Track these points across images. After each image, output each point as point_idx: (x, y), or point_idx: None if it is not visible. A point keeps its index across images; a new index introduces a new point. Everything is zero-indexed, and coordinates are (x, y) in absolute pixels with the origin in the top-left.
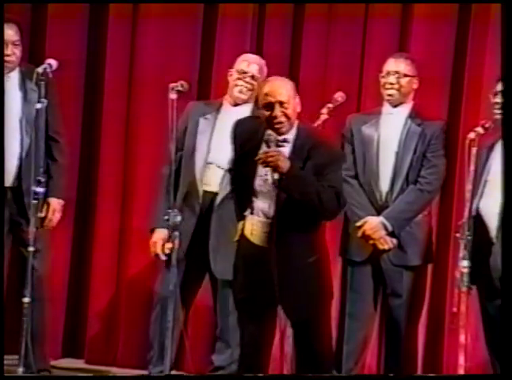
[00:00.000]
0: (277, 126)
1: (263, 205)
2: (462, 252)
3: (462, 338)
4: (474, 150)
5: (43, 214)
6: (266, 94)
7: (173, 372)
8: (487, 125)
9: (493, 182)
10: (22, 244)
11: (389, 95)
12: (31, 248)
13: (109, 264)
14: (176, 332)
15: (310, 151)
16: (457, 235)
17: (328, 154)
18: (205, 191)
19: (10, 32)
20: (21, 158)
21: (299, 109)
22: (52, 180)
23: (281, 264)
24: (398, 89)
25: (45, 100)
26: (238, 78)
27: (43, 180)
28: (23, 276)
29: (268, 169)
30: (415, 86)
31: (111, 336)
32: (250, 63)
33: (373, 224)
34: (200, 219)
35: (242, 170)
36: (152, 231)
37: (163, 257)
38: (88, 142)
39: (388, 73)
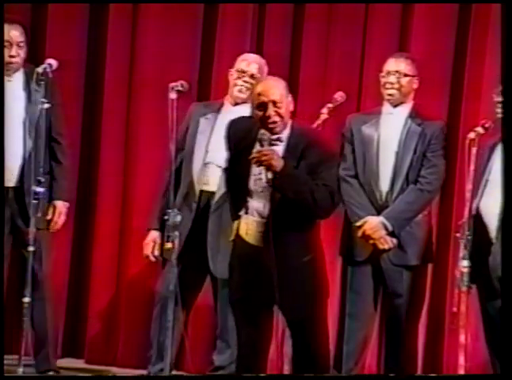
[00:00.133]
0: (270, 125)
1: (258, 205)
2: (462, 252)
3: (462, 338)
4: (474, 150)
5: (48, 217)
6: (259, 94)
7: (174, 372)
8: (487, 125)
9: (494, 182)
10: (23, 244)
11: (389, 95)
12: (31, 248)
13: (109, 264)
14: (176, 331)
15: (304, 150)
16: (457, 235)
17: (322, 153)
18: (204, 191)
19: (15, 33)
20: (23, 159)
21: (292, 108)
22: (56, 183)
23: (277, 263)
24: (398, 89)
25: (46, 100)
26: (238, 78)
27: (43, 180)
28: (24, 276)
29: (262, 168)
30: (415, 86)
31: (111, 335)
32: (249, 63)
33: (373, 224)
34: (198, 219)
35: (236, 170)
36: (148, 231)
37: (152, 259)
38: (88, 142)
39: (389, 72)
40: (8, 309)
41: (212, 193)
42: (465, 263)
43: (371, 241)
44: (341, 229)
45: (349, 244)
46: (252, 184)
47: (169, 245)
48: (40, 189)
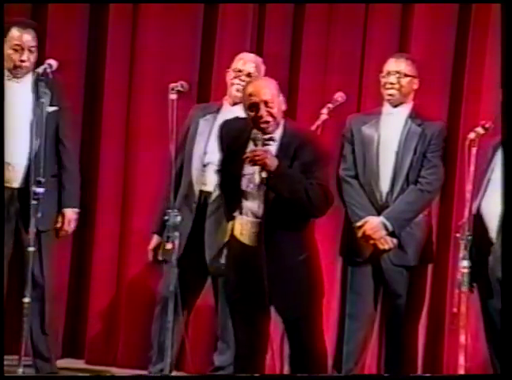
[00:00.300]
0: (263, 126)
1: (252, 205)
2: (462, 253)
3: (462, 338)
4: (474, 151)
5: (58, 225)
6: (250, 94)
7: (174, 372)
8: (487, 125)
9: (496, 182)
10: (26, 245)
11: (389, 95)
12: (31, 249)
13: (109, 265)
14: (177, 332)
15: (297, 149)
16: (457, 235)
17: (315, 152)
18: (203, 191)
19: (28, 38)
20: (29, 160)
21: (284, 108)
22: (65, 190)
23: (272, 263)
24: (398, 89)
25: (43, 101)
26: (235, 77)
27: (43, 180)
28: (30, 278)
29: (255, 167)
30: (416, 87)
31: (111, 336)
32: (245, 62)
33: (374, 224)
34: (198, 219)
35: (229, 170)
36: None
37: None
38: (88, 142)
39: (389, 73)
40: (10, 309)
41: (210, 193)
42: (465, 263)
43: (371, 242)
44: (341, 230)
45: (350, 244)
46: (245, 184)
47: (169, 246)
48: (39, 190)
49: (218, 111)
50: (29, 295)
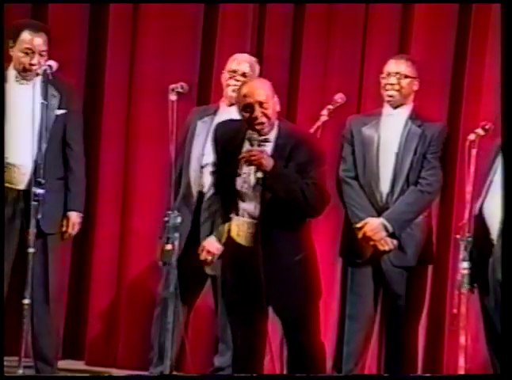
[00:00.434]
0: (258, 127)
1: (248, 206)
2: (462, 254)
3: (462, 339)
4: (474, 152)
5: (63, 229)
6: (245, 95)
7: (174, 373)
8: (487, 126)
9: (498, 183)
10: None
11: (389, 96)
12: (31, 250)
13: (109, 266)
14: (177, 333)
15: (292, 150)
16: (457, 236)
17: (310, 152)
18: (201, 192)
19: (39, 42)
20: (35, 162)
21: (278, 109)
22: (71, 193)
23: (269, 263)
24: (398, 90)
25: (44, 102)
26: (230, 78)
27: (43, 181)
28: (31, 279)
29: (251, 168)
30: (416, 88)
31: (111, 337)
32: (240, 62)
33: (374, 225)
34: (196, 220)
35: (225, 172)
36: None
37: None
38: (88, 143)
39: (389, 74)
40: (14, 309)
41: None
42: (465, 264)
43: (371, 243)
44: (341, 231)
45: (350, 245)
46: (241, 185)
47: (169, 247)
48: (40, 191)
49: (215, 113)
50: (29, 296)
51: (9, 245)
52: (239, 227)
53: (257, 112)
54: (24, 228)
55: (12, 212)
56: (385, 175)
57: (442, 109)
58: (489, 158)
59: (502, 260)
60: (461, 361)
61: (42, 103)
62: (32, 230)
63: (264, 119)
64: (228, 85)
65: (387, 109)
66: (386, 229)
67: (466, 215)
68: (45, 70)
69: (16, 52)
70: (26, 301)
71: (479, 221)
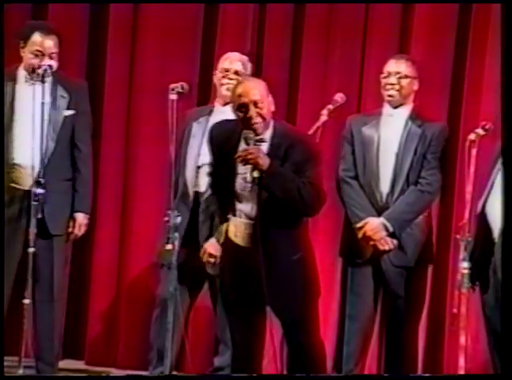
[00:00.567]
0: (253, 126)
1: (245, 207)
2: (462, 254)
3: (462, 339)
4: (474, 152)
5: (69, 230)
6: (239, 95)
7: (174, 373)
8: (487, 126)
9: (500, 182)
10: (37, 246)
11: (390, 96)
12: (31, 250)
13: (110, 266)
14: (176, 333)
15: (287, 149)
16: (457, 236)
17: (305, 151)
18: (198, 193)
19: (49, 44)
20: (42, 163)
21: (273, 108)
22: (78, 194)
23: (266, 263)
24: (398, 90)
25: (43, 101)
26: (223, 77)
27: (43, 181)
28: (35, 278)
29: (248, 167)
30: (416, 88)
31: (111, 337)
32: (232, 61)
33: (374, 225)
34: (192, 220)
35: (221, 173)
36: None
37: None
38: None
39: (389, 73)
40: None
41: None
42: (465, 264)
43: (371, 243)
44: (341, 231)
45: (350, 245)
46: (238, 186)
47: (169, 247)
48: (40, 191)
49: (210, 113)
50: (29, 296)
51: (14, 244)
52: (237, 228)
53: (252, 111)
54: (29, 229)
55: (18, 212)
56: (385, 175)
57: (442, 109)
58: (491, 157)
59: (502, 260)
60: (461, 361)
61: (46, 103)
62: (32, 230)
63: (259, 119)
64: (222, 85)
65: (387, 109)
66: (386, 229)
67: (466, 215)
68: (45, 70)
69: (26, 53)
70: (26, 301)
71: (482, 220)
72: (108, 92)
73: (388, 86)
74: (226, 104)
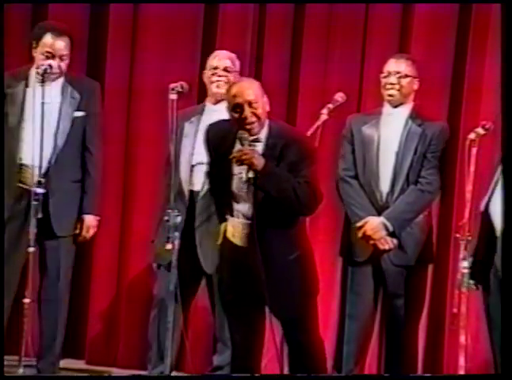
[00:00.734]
0: (248, 126)
1: (242, 207)
2: (462, 253)
3: (462, 339)
4: (474, 151)
5: (77, 231)
6: (234, 95)
7: (174, 373)
8: (487, 126)
9: None
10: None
11: (390, 95)
12: (31, 249)
13: (110, 266)
14: (176, 332)
15: (283, 149)
16: (458, 236)
17: (301, 151)
18: (193, 191)
19: (60, 46)
20: (49, 163)
21: (268, 108)
22: (87, 196)
23: (264, 263)
24: (398, 90)
25: (45, 102)
26: (213, 74)
27: (43, 181)
28: (42, 278)
29: (243, 167)
30: (416, 87)
31: (111, 337)
32: (221, 58)
33: (374, 224)
34: (189, 219)
35: (218, 173)
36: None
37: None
38: None
39: (389, 73)
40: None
41: (198, 192)
42: (465, 264)
43: (371, 242)
44: (341, 230)
45: (350, 244)
46: (235, 186)
47: (169, 246)
48: (40, 190)
49: (202, 112)
50: (29, 296)
51: (21, 244)
52: (234, 228)
53: (247, 111)
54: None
55: (24, 212)
56: (385, 174)
57: (442, 109)
58: (492, 157)
59: (502, 260)
60: (461, 361)
61: (52, 103)
62: (32, 230)
63: (254, 119)
64: (212, 82)
65: (387, 108)
66: (386, 229)
67: (466, 215)
68: (45, 70)
69: (37, 54)
70: (26, 301)
71: (485, 219)
72: (108, 92)
73: (388, 86)
74: (217, 102)
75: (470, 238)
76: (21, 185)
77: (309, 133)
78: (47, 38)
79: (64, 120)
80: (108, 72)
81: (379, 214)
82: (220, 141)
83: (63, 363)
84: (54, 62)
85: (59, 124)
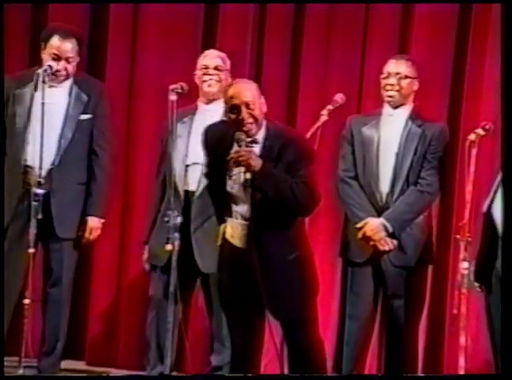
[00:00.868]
0: (245, 128)
1: (240, 208)
2: (462, 254)
3: (462, 340)
4: (474, 152)
5: (79, 233)
6: (231, 97)
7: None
8: (487, 126)
9: None
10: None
11: (389, 96)
12: (31, 250)
13: (110, 267)
14: (175, 333)
15: (280, 150)
16: (457, 236)
17: (298, 151)
18: (188, 191)
19: (66, 48)
20: (53, 164)
21: (265, 110)
22: (91, 198)
23: (263, 264)
24: (398, 91)
25: (44, 102)
26: (204, 74)
27: (43, 181)
28: (45, 280)
29: (241, 169)
30: (416, 88)
31: (111, 337)
32: (211, 57)
33: (374, 225)
34: (184, 219)
35: (216, 174)
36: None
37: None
38: None
39: (389, 74)
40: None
41: (194, 192)
42: (465, 264)
43: (371, 243)
44: (341, 231)
45: (350, 245)
46: (232, 188)
47: (169, 247)
48: (40, 191)
49: (194, 112)
50: (29, 296)
51: (24, 244)
52: (233, 229)
53: (244, 113)
54: (39, 229)
55: (27, 213)
56: (385, 175)
57: (442, 109)
58: (495, 157)
59: (503, 260)
60: (461, 361)
61: (67, 107)
62: (32, 231)
63: (250, 120)
64: (203, 81)
65: (387, 109)
66: (386, 229)
67: (466, 215)
68: (45, 70)
69: (45, 56)
70: (26, 301)
71: (488, 220)
72: (109, 92)
73: (388, 87)
74: (209, 101)
75: (470, 239)
76: (24, 186)
77: (309, 134)
78: (54, 40)
79: (70, 122)
80: (108, 72)
81: (379, 215)
82: (218, 142)
83: (64, 364)
84: (54, 63)
85: (64, 126)
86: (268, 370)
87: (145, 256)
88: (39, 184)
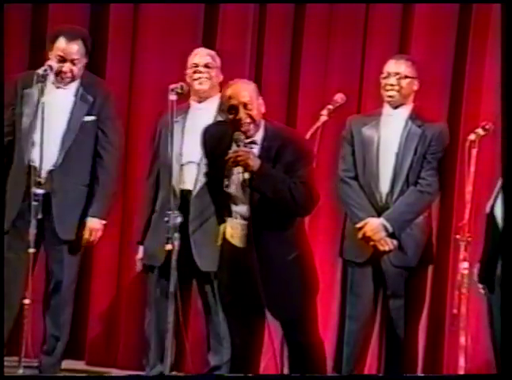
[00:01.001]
0: (243, 128)
1: (240, 208)
2: (462, 254)
3: (462, 340)
4: (474, 152)
5: (80, 234)
6: (229, 97)
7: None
8: (487, 126)
9: None
10: (50, 247)
11: (389, 96)
12: (31, 250)
13: (110, 267)
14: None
15: (278, 150)
16: (457, 237)
17: (297, 151)
18: (184, 190)
19: (72, 50)
20: (55, 165)
21: (263, 110)
22: (94, 199)
23: (263, 264)
24: (398, 91)
25: (43, 101)
26: (194, 72)
27: (43, 181)
28: (47, 281)
29: (239, 169)
30: (416, 88)
31: (111, 337)
32: (201, 55)
33: (374, 225)
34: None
35: (216, 174)
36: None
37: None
38: None
39: (389, 74)
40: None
41: (190, 191)
42: (465, 265)
43: (371, 243)
44: (341, 231)
45: (350, 245)
46: (232, 188)
47: (169, 247)
48: (39, 191)
49: (187, 111)
50: (29, 296)
51: (24, 244)
52: (233, 229)
53: (242, 113)
54: (41, 229)
55: (29, 214)
56: (385, 175)
57: (442, 109)
58: (495, 157)
59: (503, 260)
60: (461, 361)
61: (72, 109)
62: (32, 231)
63: (248, 121)
64: (194, 80)
65: (387, 109)
66: (386, 230)
67: (466, 216)
68: (45, 70)
69: (52, 57)
70: (26, 301)
71: (490, 220)
72: None
73: (388, 87)
74: (201, 100)
75: (470, 239)
76: (27, 186)
77: (309, 134)
78: (60, 42)
79: (73, 123)
80: (108, 72)
81: (379, 215)
82: (217, 143)
83: (64, 364)
84: (55, 64)
85: (67, 127)
86: (268, 370)
87: (139, 255)
88: (39, 184)
